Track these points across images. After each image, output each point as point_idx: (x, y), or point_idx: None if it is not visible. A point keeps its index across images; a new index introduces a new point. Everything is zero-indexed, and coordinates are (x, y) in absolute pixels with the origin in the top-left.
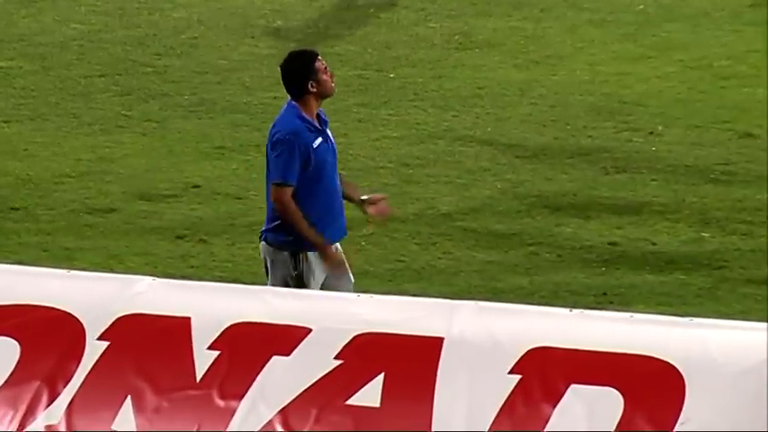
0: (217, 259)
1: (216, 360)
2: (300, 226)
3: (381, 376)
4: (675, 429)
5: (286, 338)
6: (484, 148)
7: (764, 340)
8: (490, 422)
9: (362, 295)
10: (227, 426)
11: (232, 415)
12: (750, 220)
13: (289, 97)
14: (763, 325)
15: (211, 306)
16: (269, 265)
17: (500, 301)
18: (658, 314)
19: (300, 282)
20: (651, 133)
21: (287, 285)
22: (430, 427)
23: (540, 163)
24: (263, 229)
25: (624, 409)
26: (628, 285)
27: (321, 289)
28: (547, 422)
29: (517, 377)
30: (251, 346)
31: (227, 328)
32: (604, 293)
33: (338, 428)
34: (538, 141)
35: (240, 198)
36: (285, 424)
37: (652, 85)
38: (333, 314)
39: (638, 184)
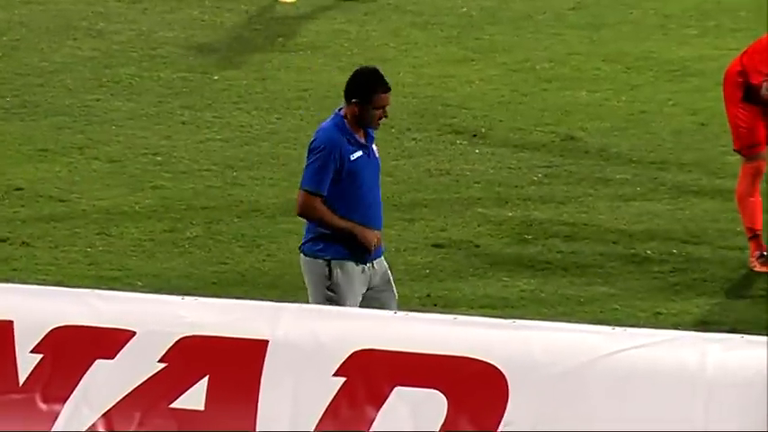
0: (40, 262)
1: (39, 363)
2: (327, 219)
3: (206, 379)
4: (499, 430)
5: (110, 342)
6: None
7: (587, 342)
8: (315, 424)
9: (187, 298)
10: (50, 429)
11: (55, 418)
12: (572, 222)
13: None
14: (585, 327)
15: (34, 309)
16: (306, 278)
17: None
18: (482, 316)
19: (337, 294)
20: (475, 135)
21: (325, 299)
22: (254, 429)
23: None
24: (302, 241)
25: (448, 411)
26: (452, 288)
27: (363, 304)
28: (371, 424)
29: (342, 379)
30: (74, 350)
31: (50, 332)
32: (428, 295)
33: (162, 431)
34: None
35: (63, 201)
36: (109, 427)
37: (475, 88)
38: (157, 317)
39: (461, 186)
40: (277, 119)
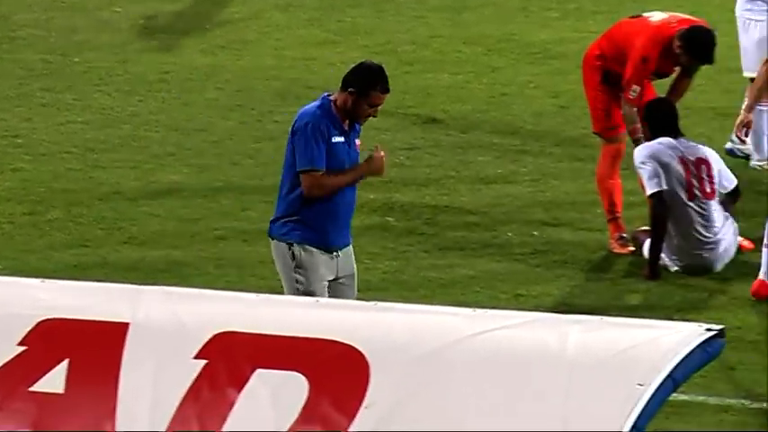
0: None
1: None
2: (338, 182)
3: (66, 362)
4: (360, 412)
5: None
6: (170, 133)
7: (448, 324)
8: (175, 407)
9: (47, 281)
10: None
11: None
12: (434, 204)
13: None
14: (446, 309)
15: None
16: (276, 263)
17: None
18: None
19: (303, 277)
20: None
21: (294, 283)
22: (114, 412)
23: (225, 147)
24: (269, 225)
25: (309, 393)
26: None
27: (329, 293)
28: (232, 406)
29: (203, 362)
30: None
31: None
32: None
33: (22, 415)
34: (224, 126)
35: None
36: None
37: (337, 70)
38: (17, 300)
39: None
40: (138, 101)
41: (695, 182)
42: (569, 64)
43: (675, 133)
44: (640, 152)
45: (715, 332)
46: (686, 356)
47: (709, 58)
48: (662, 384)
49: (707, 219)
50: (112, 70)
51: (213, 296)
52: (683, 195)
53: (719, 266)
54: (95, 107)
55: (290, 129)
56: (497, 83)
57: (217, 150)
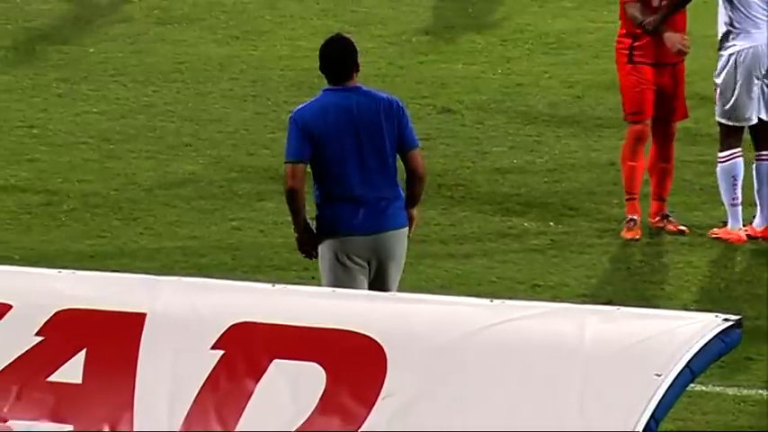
0: None
1: None
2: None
3: (83, 352)
4: (378, 402)
5: None
6: (185, 124)
7: (465, 314)
8: (193, 397)
9: (64, 271)
10: None
11: None
12: (450, 195)
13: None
14: (463, 299)
15: None
16: (402, 250)
17: (203, 277)
18: None
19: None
20: None
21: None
22: (132, 402)
23: (241, 138)
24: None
25: (326, 384)
26: None
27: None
28: (250, 397)
29: (220, 352)
30: None
31: None
32: (306, 269)
33: (40, 405)
34: (239, 116)
35: None
36: None
37: None
38: (34, 290)
39: None
40: (153, 92)
41: None
42: (585, 54)
43: None
44: None
45: (732, 322)
46: (703, 347)
47: None
48: (679, 375)
49: None
50: (127, 60)
51: (230, 286)
52: None
53: None
54: (111, 98)
55: (373, 110)
56: (512, 73)
57: (232, 141)
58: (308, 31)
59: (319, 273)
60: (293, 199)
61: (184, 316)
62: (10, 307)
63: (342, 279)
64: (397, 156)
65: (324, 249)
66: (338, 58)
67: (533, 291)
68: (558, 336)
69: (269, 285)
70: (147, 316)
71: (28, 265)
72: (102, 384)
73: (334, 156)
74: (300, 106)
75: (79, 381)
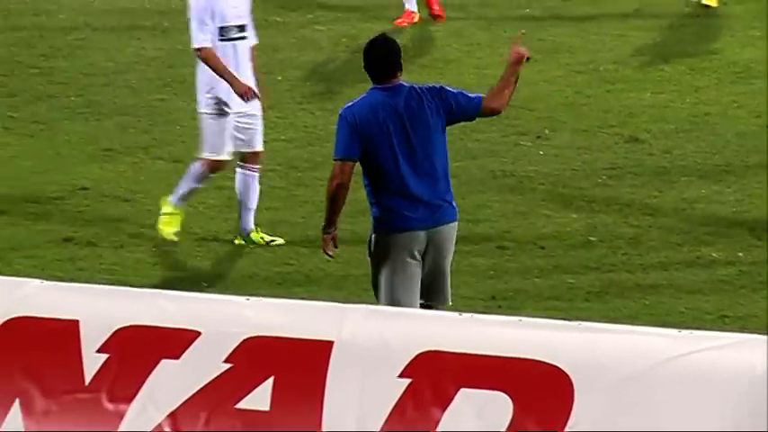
0: (105, 262)
1: (105, 363)
2: None
3: (271, 380)
4: (566, 431)
5: (175, 342)
6: None
7: (653, 345)
8: (380, 425)
9: (252, 299)
10: (116, 429)
11: (121, 418)
12: (637, 224)
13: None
14: (651, 329)
15: (100, 309)
16: (450, 243)
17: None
18: (547, 318)
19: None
20: (539, 137)
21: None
22: (320, 430)
23: None
24: (449, 203)
25: (513, 413)
26: (517, 289)
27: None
28: (437, 425)
29: (407, 381)
30: (140, 350)
31: (115, 332)
32: (493, 297)
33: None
34: None
35: (128, 200)
36: (175, 427)
37: (539, 89)
38: (222, 317)
39: (525, 187)
40: None
41: None
42: None
43: None
44: None
45: None
46: None
47: None
48: None
49: None
50: (315, 88)
51: (417, 315)
52: None
53: None
54: (298, 125)
55: (420, 106)
56: (701, 102)
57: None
58: (496, 59)
59: (370, 268)
60: (338, 196)
61: (372, 344)
62: (199, 334)
63: (398, 274)
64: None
65: (379, 245)
66: (383, 57)
67: (721, 321)
68: (746, 367)
69: (456, 314)
70: (335, 344)
71: (216, 292)
72: (290, 412)
73: (384, 153)
74: (349, 104)
75: (267, 408)
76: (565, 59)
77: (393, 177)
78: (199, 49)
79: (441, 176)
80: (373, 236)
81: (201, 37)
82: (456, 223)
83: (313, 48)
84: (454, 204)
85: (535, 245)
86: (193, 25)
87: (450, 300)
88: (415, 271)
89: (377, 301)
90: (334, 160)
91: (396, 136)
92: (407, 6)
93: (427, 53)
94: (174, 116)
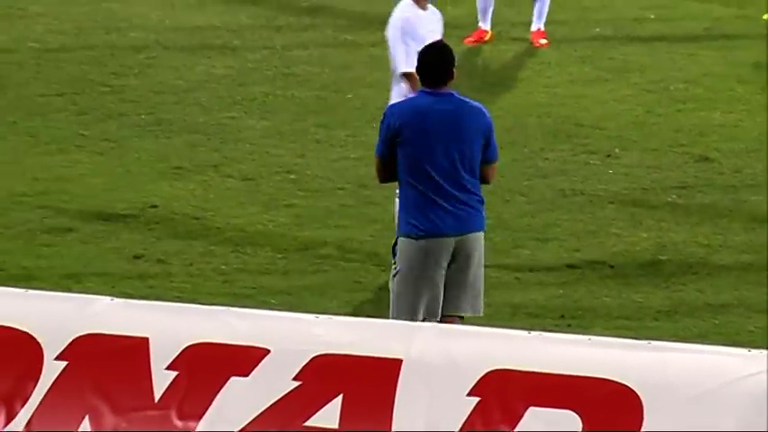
0: (175, 279)
1: (174, 380)
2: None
3: (340, 397)
4: None
5: (244, 359)
6: None
7: (723, 364)
8: None
9: (321, 316)
10: None
11: None
12: (707, 243)
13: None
14: (721, 349)
15: (170, 326)
16: (477, 253)
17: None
18: (616, 337)
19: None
20: (608, 156)
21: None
22: None
23: (497, 185)
24: (476, 215)
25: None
26: (586, 308)
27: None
28: None
29: (476, 399)
30: (209, 367)
31: (185, 349)
32: (562, 316)
33: None
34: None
35: (198, 218)
36: None
37: (609, 108)
38: (291, 335)
39: (595, 206)
40: None
41: None
42: None
43: None
44: None
45: None
46: None
47: None
48: None
49: None
50: (385, 106)
51: (485, 333)
52: None
53: None
54: (368, 144)
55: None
56: None
57: (488, 188)
58: (566, 78)
59: (391, 270)
60: (386, 182)
61: (440, 362)
62: (268, 351)
63: (421, 279)
64: None
65: (405, 249)
66: (437, 63)
67: None
68: None
69: (524, 332)
70: (404, 362)
71: (285, 309)
72: (359, 429)
73: (421, 156)
74: (395, 102)
75: (336, 426)
76: (635, 78)
77: (425, 181)
78: (406, 75)
79: (475, 187)
80: (400, 239)
81: (408, 61)
82: (482, 233)
83: (383, 66)
84: (484, 214)
85: (605, 263)
86: (400, 50)
87: (481, 311)
88: (437, 277)
89: (392, 305)
90: (375, 155)
91: (436, 141)
92: (481, 25)
93: (498, 72)
94: (244, 134)
